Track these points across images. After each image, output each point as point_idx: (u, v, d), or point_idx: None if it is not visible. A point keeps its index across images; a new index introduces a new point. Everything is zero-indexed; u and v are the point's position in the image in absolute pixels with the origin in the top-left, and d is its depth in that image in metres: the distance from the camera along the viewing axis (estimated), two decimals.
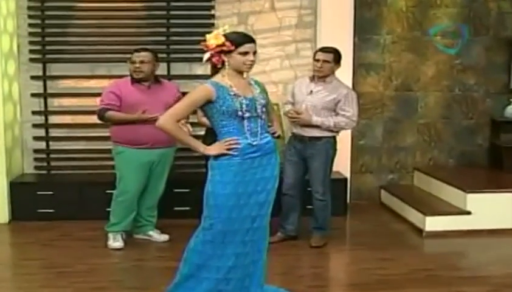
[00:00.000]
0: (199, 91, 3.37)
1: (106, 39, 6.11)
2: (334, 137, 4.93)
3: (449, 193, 5.88)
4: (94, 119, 5.10)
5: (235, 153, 3.34)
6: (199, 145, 3.47)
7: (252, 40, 3.40)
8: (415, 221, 5.67)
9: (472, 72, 6.62)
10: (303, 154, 4.94)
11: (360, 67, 6.43)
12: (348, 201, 6.13)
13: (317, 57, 4.87)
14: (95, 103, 5.31)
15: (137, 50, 4.89)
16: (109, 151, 5.24)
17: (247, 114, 3.36)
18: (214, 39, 3.33)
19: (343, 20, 6.07)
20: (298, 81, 5.21)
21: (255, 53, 3.40)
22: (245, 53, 3.35)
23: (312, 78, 4.92)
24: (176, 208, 5.68)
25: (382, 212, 6.27)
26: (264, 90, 3.57)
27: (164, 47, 6.15)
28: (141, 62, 4.78)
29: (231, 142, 3.34)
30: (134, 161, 4.82)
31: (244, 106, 3.34)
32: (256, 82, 3.59)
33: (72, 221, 5.68)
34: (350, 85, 5.63)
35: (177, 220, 5.48)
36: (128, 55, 5.05)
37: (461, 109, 6.69)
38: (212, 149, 3.39)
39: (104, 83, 5.74)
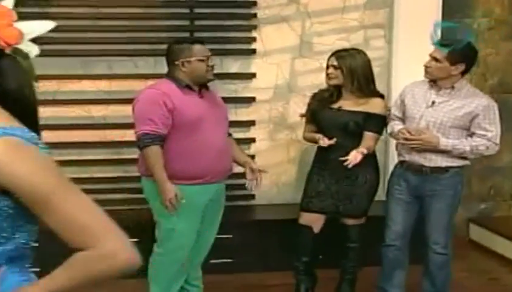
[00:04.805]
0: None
1: (103, 23, 4.95)
2: (463, 168, 4.09)
3: None
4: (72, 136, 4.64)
5: None
6: None
7: None
8: None
9: None
10: (421, 191, 4.11)
11: None
12: None
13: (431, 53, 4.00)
14: (85, 112, 4.82)
15: (198, 41, 3.89)
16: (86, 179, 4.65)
17: None
18: None
19: None
20: (410, 86, 4.23)
21: None
22: None
23: (434, 83, 3.99)
24: (213, 261, 4.59)
25: (478, 254, 5.45)
26: None
27: (187, 34, 5.03)
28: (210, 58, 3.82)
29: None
30: (189, 203, 3.79)
31: None
32: None
33: None
34: None
35: (215, 276, 4.46)
36: (134, 47, 4.76)
37: None
38: None
39: (102, 85, 4.91)
